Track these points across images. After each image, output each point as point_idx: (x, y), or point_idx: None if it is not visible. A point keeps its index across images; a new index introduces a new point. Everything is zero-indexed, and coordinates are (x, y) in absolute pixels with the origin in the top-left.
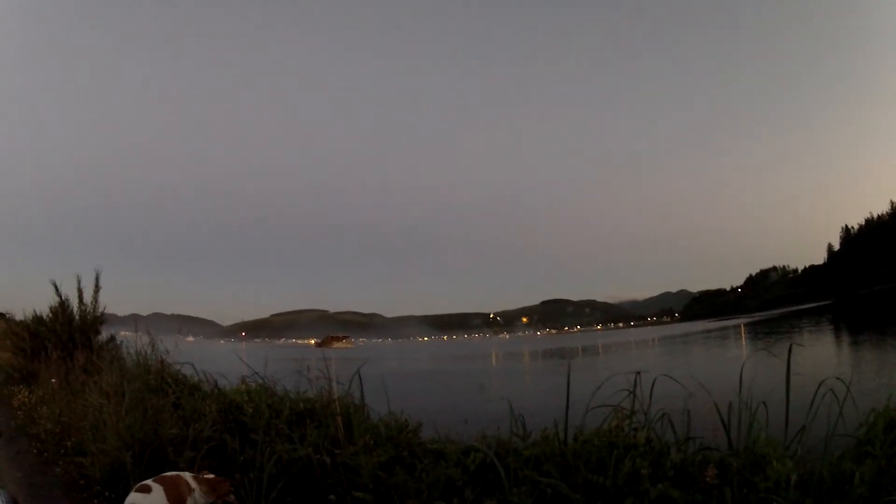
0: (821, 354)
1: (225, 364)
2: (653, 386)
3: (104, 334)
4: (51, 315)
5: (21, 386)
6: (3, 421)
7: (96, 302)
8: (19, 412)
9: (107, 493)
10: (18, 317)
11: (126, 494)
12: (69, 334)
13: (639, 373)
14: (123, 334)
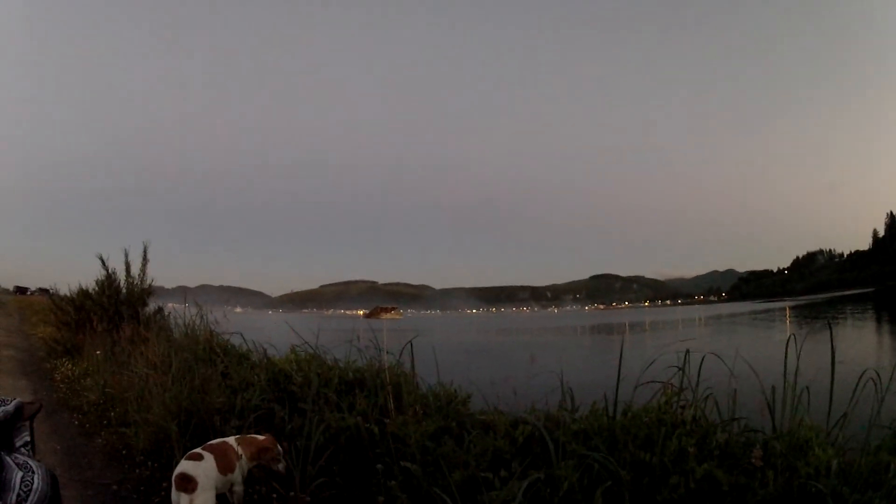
0: (865, 343)
1: (274, 334)
2: (701, 364)
3: (151, 306)
4: (97, 289)
5: (64, 359)
6: (45, 394)
7: (144, 275)
8: (62, 385)
9: (150, 463)
10: (63, 292)
11: (170, 464)
12: (115, 307)
13: (688, 351)
14: (171, 306)
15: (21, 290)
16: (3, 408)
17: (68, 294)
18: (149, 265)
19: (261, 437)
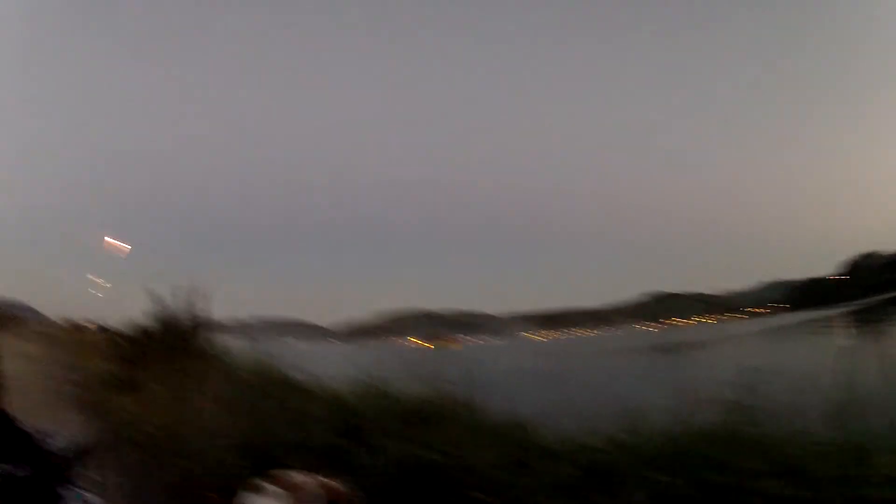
0: None
1: (333, 366)
2: (764, 380)
3: (210, 341)
4: (153, 324)
5: (119, 392)
6: (97, 426)
7: (203, 310)
8: (117, 418)
9: (209, 496)
10: (122, 327)
11: (230, 497)
12: (172, 341)
13: (751, 367)
14: (228, 339)
15: (75, 326)
16: (59, 442)
17: (123, 328)
18: (205, 299)
19: (338, 484)
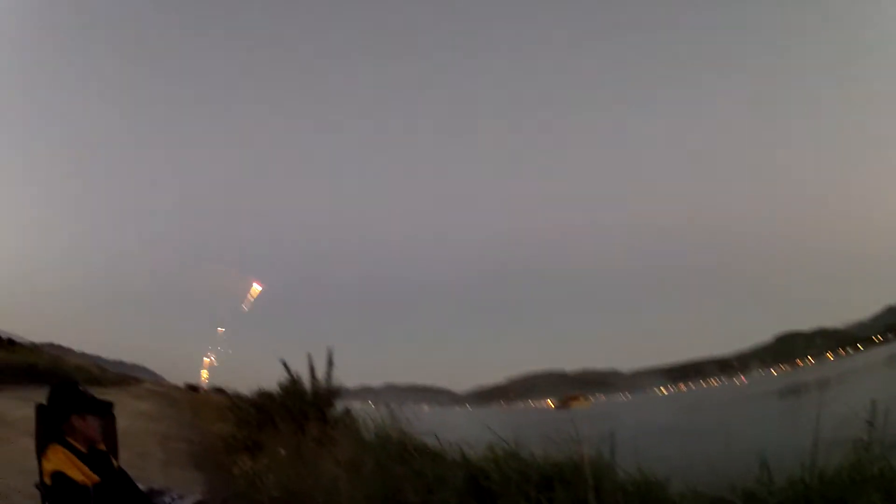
0: None
1: (464, 431)
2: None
3: (337, 407)
4: (280, 391)
5: (243, 455)
6: (222, 486)
7: (329, 377)
8: (241, 480)
9: None
10: (242, 391)
11: None
12: (300, 408)
13: (881, 400)
14: (356, 405)
15: (193, 388)
16: (178, 501)
17: (248, 394)
18: (334, 367)
19: None
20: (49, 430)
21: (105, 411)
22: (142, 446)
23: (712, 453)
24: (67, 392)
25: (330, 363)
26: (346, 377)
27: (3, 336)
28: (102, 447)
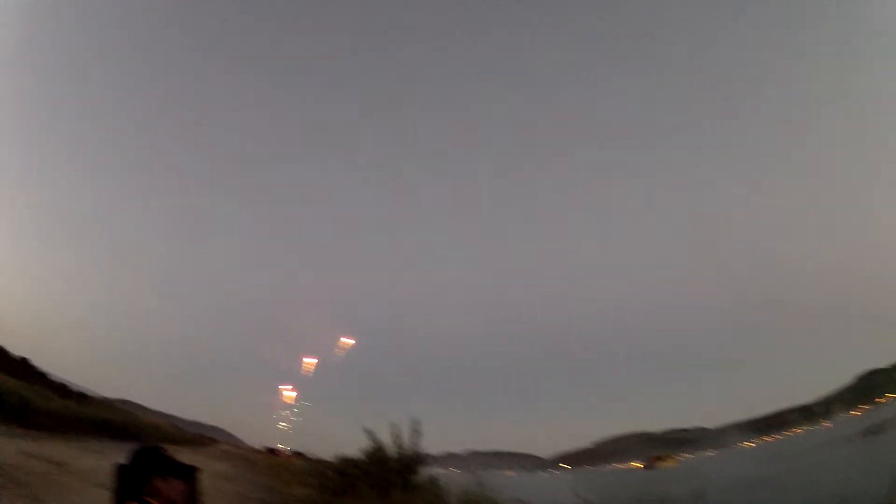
0: None
1: (551, 495)
2: None
3: (422, 474)
4: (364, 458)
5: None
6: None
7: (415, 446)
8: None
9: None
10: (324, 457)
11: None
12: (384, 475)
13: None
14: (440, 472)
15: (272, 451)
16: None
17: (329, 460)
18: (415, 433)
19: None
20: (128, 489)
21: (188, 475)
22: None
23: (797, 502)
24: (150, 455)
25: (416, 432)
26: (429, 444)
27: (74, 389)
28: None
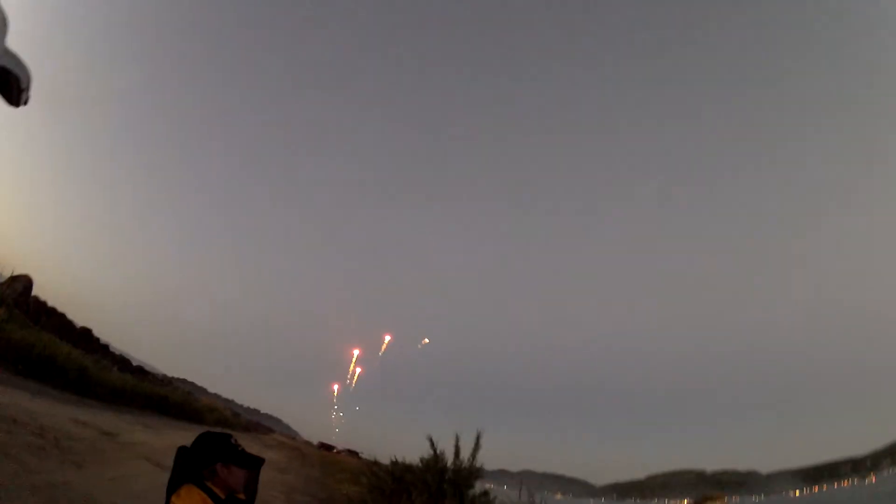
0: None
1: None
2: None
3: (476, 488)
4: (421, 465)
5: None
6: None
7: (474, 459)
8: None
9: None
10: (381, 459)
11: None
12: (439, 485)
13: None
14: (489, 486)
15: (326, 447)
16: None
17: (386, 463)
18: (475, 448)
19: None
20: (188, 471)
21: (254, 466)
22: (266, 495)
23: None
24: (218, 442)
25: (477, 445)
26: (484, 459)
27: (135, 363)
28: (242, 496)
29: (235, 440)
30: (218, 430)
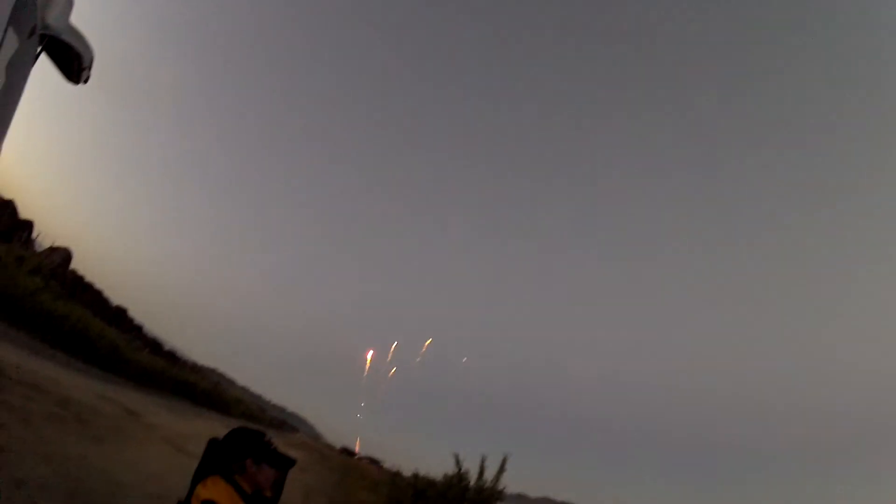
0: None
1: None
2: None
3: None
4: (443, 481)
5: None
6: None
7: (497, 481)
8: None
9: None
10: (399, 469)
11: None
12: (459, 502)
13: None
14: None
15: (348, 452)
16: None
17: (405, 475)
18: (499, 470)
19: None
20: (217, 463)
21: (286, 467)
22: (284, 493)
23: None
24: (252, 439)
25: (502, 468)
26: (505, 481)
27: (167, 348)
28: (269, 494)
29: (270, 438)
30: (245, 424)
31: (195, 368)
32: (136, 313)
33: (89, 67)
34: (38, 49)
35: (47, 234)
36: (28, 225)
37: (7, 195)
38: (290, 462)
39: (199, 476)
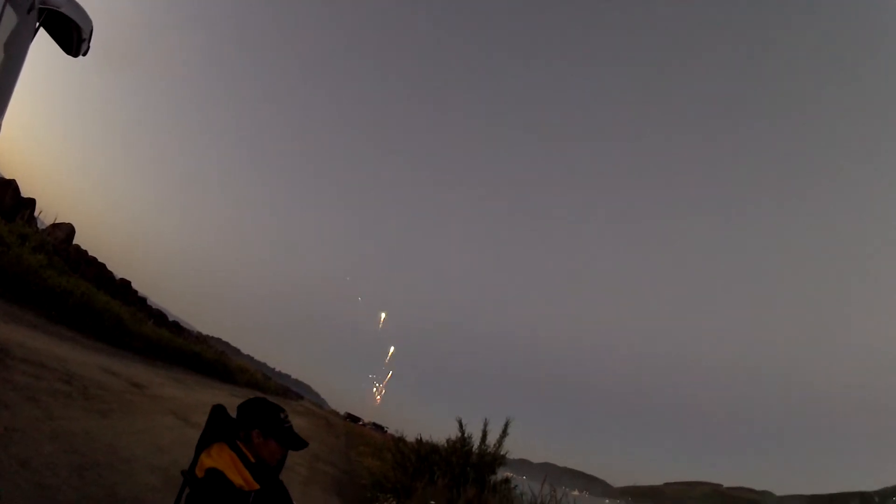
0: None
1: None
2: None
3: (498, 475)
4: (447, 446)
5: (389, 495)
6: None
7: (500, 445)
8: None
9: None
10: (403, 435)
11: None
12: (462, 468)
13: None
14: (508, 475)
15: (353, 419)
16: None
17: (410, 440)
18: (502, 436)
19: None
20: (223, 431)
21: (296, 448)
22: (288, 460)
23: None
24: (268, 412)
25: (504, 432)
26: (508, 447)
27: (171, 319)
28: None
29: (286, 416)
30: (255, 394)
31: (200, 338)
32: (140, 286)
33: (88, 39)
34: (37, 24)
35: (50, 210)
36: (31, 203)
37: (9, 173)
38: (302, 444)
39: (204, 443)
